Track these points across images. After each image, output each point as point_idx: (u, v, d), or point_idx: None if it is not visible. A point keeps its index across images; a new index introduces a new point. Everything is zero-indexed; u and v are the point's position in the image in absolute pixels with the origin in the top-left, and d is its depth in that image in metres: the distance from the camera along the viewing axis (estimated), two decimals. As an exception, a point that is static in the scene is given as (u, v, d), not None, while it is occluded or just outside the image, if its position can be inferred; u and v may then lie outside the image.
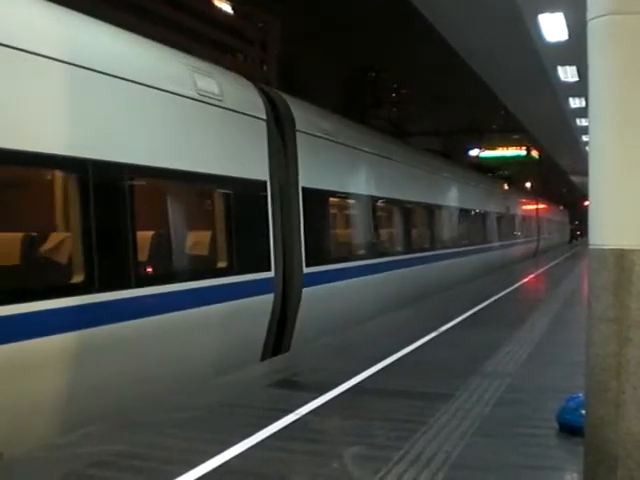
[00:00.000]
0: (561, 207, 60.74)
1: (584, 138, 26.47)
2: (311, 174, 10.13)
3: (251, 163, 8.77)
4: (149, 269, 7.18)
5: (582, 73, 15.76)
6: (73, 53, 6.09)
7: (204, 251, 8.19)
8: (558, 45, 13.75)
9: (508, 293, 15.15)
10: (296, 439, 4.90)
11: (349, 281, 11.26)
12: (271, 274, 8.87)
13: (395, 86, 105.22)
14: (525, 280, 19.49)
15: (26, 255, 6.13)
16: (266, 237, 8.85)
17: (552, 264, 26.93)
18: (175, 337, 6.96)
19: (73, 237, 6.11)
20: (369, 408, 5.80)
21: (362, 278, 11.84)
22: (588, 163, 3.70)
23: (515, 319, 10.72)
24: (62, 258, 6.21)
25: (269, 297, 8.80)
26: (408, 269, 14.63)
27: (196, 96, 7.71)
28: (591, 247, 3.64)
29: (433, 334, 9.25)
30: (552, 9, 11.92)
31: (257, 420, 5.24)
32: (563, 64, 15.70)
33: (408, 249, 15.09)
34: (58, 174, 6.31)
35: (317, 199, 10.51)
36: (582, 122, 22.88)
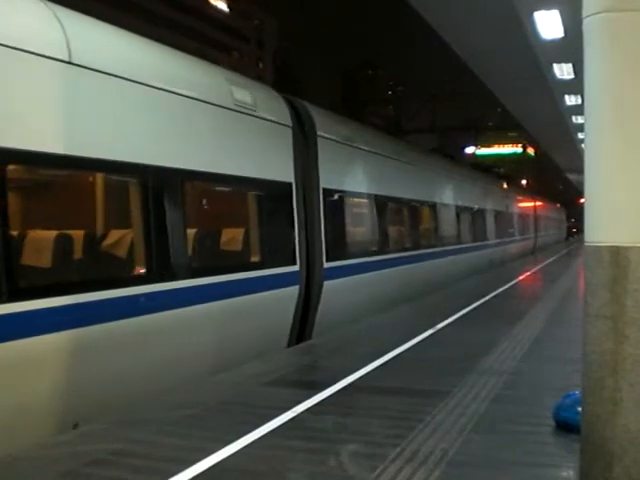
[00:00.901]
0: (558, 205, 60.97)
1: (580, 135, 26.49)
2: (330, 176, 10.94)
3: (279, 166, 9.58)
4: (204, 262, 8.07)
5: (578, 70, 15.77)
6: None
7: (242, 246, 8.91)
8: (554, 42, 13.75)
9: (505, 290, 15.16)
10: (293, 437, 4.91)
11: (363, 275, 12.07)
12: (297, 268, 9.68)
13: (391, 83, 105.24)
14: (522, 277, 19.52)
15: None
16: (292, 234, 9.70)
17: (549, 261, 26.97)
18: (218, 323, 7.73)
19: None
20: (366, 406, 5.81)
21: (375, 272, 12.67)
22: (584, 160, 3.71)
23: (512, 316, 10.73)
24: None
25: (295, 289, 9.62)
26: (417, 264, 15.48)
27: (234, 107, 8.49)
28: (587, 244, 3.65)
29: (430, 331, 9.25)
30: (548, 6, 11.91)
31: (254, 418, 5.24)
32: (559, 61, 15.70)
33: (417, 245, 16.05)
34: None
35: (335, 199, 11.32)
36: (578, 119, 22.89)
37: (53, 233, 6.19)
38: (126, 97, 6.75)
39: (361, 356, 7.58)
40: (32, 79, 5.70)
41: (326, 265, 10.47)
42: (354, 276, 11.57)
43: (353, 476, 4.15)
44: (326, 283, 10.38)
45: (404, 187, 15.55)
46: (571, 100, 19.91)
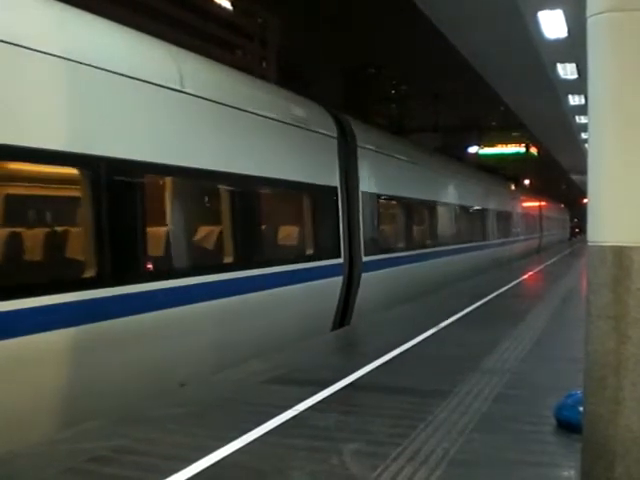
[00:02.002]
0: (562, 205, 61.17)
1: (583, 135, 26.48)
2: (367, 180, 12.42)
3: (328, 172, 11.04)
4: (275, 254, 9.58)
5: (581, 70, 15.76)
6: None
7: (301, 242, 10.34)
8: (557, 42, 13.75)
9: (507, 290, 15.16)
10: (294, 435, 4.90)
11: (396, 268, 13.67)
12: (341, 261, 11.10)
13: (394, 83, 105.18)
14: (524, 277, 19.51)
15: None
16: (338, 231, 11.10)
17: (552, 261, 26.95)
18: (280, 307, 8.95)
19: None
20: (368, 404, 5.81)
21: (405, 266, 14.34)
22: (587, 160, 3.70)
23: (515, 315, 10.73)
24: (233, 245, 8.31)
25: (339, 279, 11.02)
26: (442, 259, 17.39)
27: (293, 122, 9.91)
28: (590, 244, 3.65)
29: (433, 330, 9.26)
30: (551, 6, 11.91)
31: (255, 416, 5.25)
32: (562, 61, 15.70)
33: (442, 242, 17.81)
34: (228, 189, 8.34)
35: (372, 201, 12.76)
36: (581, 119, 22.89)
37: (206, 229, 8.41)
38: (235, 120, 8.47)
39: (363, 355, 7.59)
40: (172, 107, 7.35)
41: (364, 259, 11.87)
42: (386, 269, 12.98)
43: (355, 475, 4.15)
44: (364, 275, 11.71)
45: (429, 191, 17.43)
46: (575, 100, 19.91)
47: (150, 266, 7.03)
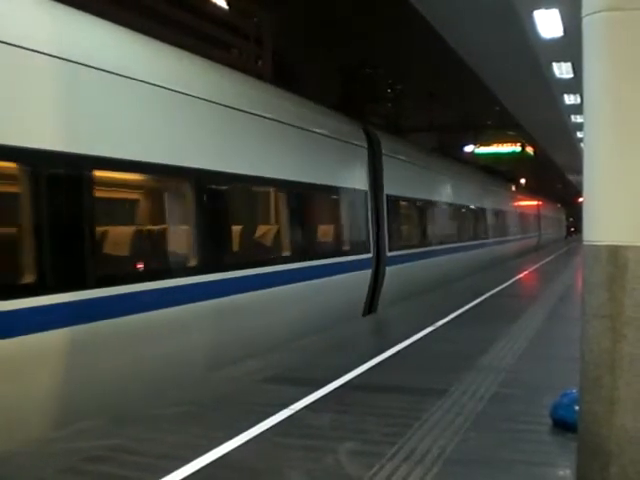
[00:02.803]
0: (559, 205, 61.56)
1: (579, 134, 26.50)
2: (391, 184, 13.96)
3: (359, 178, 12.73)
4: (322, 249, 11.30)
5: (577, 69, 15.77)
6: (276, 113, 9.83)
7: (340, 238, 11.95)
8: (553, 41, 13.75)
9: (503, 289, 15.17)
10: (290, 434, 4.91)
11: (416, 262, 15.47)
12: (371, 255, 12.68)
13: (390, 82, 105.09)
14: (520, 276, 19.52)
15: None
16: (367, 229, 12.74)
17: (548, 259, 26.99)
18: (325, 294, 10.57)
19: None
20: (363, 403, 5.81)
21: (423, 261, 16.16)
22: (583, 159, 3.70)
23: (511, 314, 10.74)
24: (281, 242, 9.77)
25: (369, 271, 12.58)
26: (454, 255, 19.46)
27: (335, 136, 11.76)
28: (585, 243, 3.65)
29: (429, 329, 9.26)
30: (547, 5, 11.91)
31: (251, 415, 5.25)
32: (558, 60, 15.70)
33: (455, 239, 20.03)
34: (285, 193, 9.88)
35: (395, 203, 14.52)
36: (577, 119, 22.90)
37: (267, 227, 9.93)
38: (303, 138, 10.46)
39: (359, 354, 7.59)
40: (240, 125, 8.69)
41: (389, 254, 13.46)
42: (406, 264, 14.58)
43: (350, 474, 4.15)
44: (388, 268, 13.26)
45: (443, 193, 19.60)
46: (570, 99, 19.91)
47: (234, 258, 8.53)
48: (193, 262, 7.52)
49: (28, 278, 5.45)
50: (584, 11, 3.67)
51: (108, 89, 6.52)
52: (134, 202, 8.32)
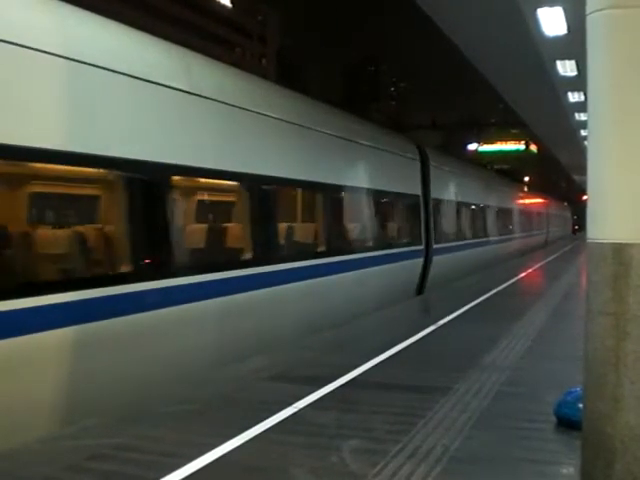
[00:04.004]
0: (565, 203, 61.96)
1: (583, 132, 26.46)
2: (436, 190, 17.30)
3: (414, 185, 16.05)
4: (392, 240, 14.51)
5: (581, 67, 15.75)
6: (373, 142, 13.56)
7: (402, 232, 15.19)
8: (557, 39, 13.73)
9: (507, 287, 15.15)
10: (294, 432, 4.91)
11: (455, 253, 18.87)
12: (422, 247, 15.93)
13: (394, 80, 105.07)
14: (523, 274, 19.51)
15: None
16: (419, 225, 15.99)
17: (552, 257, 26.97)
18: (392, 277, 13.52)
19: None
20: (367, 401, 5.81)
21: (461, 252, 19.66)
22: (587, 157, 3.70)
23: (515, 312, 10.73)
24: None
25: (421, 260, 15.80)
26: (485, 247, 23.39)
27: (396, 151, 14.99)
28: (589, 241, 3.65)
29: (432, 327, 9.26)
30: (551, 3, 11.89)
31: (255, 413, 5.25)
32: (562, 58, 15.68)
33: (485, 234, 23.86)
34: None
35: (439, 204, 17.87)
36: (581, 116, 22.86)
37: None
38: (374, 154, 13.47)
39: (362, 352, 7.58)
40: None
41: (434, 247, 16.57)
42: (448, 254, 17.82)
43: (354, 472, 4.15)
44: (434, 258, 16.35)
45: (475, 196, 23.26)
46: (574, 97, 19.88)
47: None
48: (298, 249, 10.11)
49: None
50: (588, 9, 3.66)
51: (218, 117, 8.15)
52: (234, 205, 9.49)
